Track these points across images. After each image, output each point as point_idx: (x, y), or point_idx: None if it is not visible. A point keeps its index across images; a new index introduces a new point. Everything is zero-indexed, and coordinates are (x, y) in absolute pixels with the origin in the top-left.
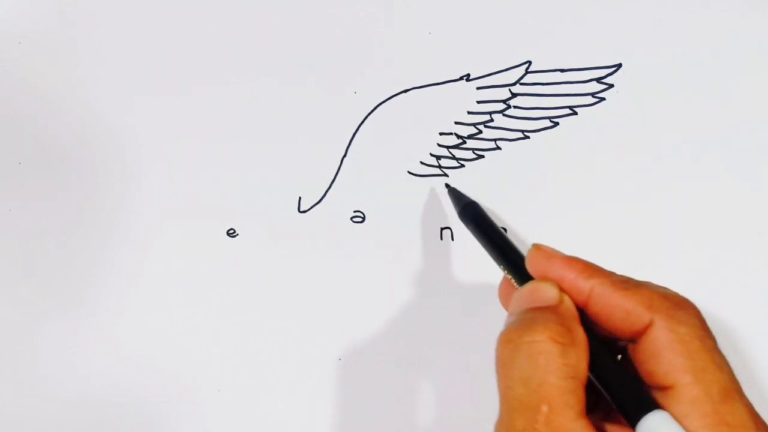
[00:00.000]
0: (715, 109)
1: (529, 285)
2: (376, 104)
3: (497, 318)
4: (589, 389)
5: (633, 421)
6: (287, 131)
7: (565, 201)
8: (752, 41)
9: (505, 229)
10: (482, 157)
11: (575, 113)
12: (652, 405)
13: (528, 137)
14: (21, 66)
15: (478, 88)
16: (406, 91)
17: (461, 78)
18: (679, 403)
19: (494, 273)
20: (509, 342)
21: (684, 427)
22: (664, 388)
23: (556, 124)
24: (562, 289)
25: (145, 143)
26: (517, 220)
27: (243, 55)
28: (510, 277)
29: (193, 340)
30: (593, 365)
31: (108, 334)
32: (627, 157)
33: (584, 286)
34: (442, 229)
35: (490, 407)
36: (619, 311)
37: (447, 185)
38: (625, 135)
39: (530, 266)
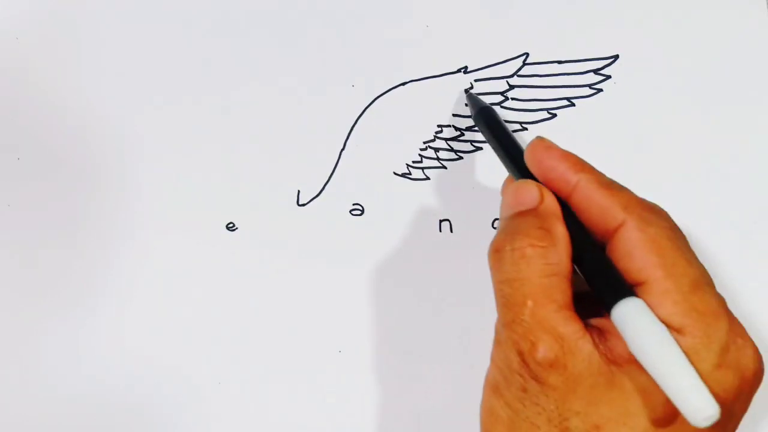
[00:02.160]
0: (712, 100)
1: (513, 185)
2: (374, 97)
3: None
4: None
5: (608, 307)
6: (286, 125)
7: None
8: (749, 33)
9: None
10: (480, 149)
11: (573, 105)
12: (628, 292)
13: (526, 129)
14: (19, 62)
15: (475, 81)
16: (403, 84)
17: (459, 70)
18: (651, 296)
19: None
20: (496, 251)
21: (657, 315)
22: (637, 284)
23: (554, 115)
24: (547, 185)
25: (144, 138)
26: None
27: (240, 49)
28: (512, 174)
29: (193, 333)
30: (577, 256)
31: (108, 327)
32: (624, 148)
33: (572, 179)
34: (441, 221)
35: None
36: (596, 207)
37: (466, 90)
38: (623, 126)
39: (528, 156)
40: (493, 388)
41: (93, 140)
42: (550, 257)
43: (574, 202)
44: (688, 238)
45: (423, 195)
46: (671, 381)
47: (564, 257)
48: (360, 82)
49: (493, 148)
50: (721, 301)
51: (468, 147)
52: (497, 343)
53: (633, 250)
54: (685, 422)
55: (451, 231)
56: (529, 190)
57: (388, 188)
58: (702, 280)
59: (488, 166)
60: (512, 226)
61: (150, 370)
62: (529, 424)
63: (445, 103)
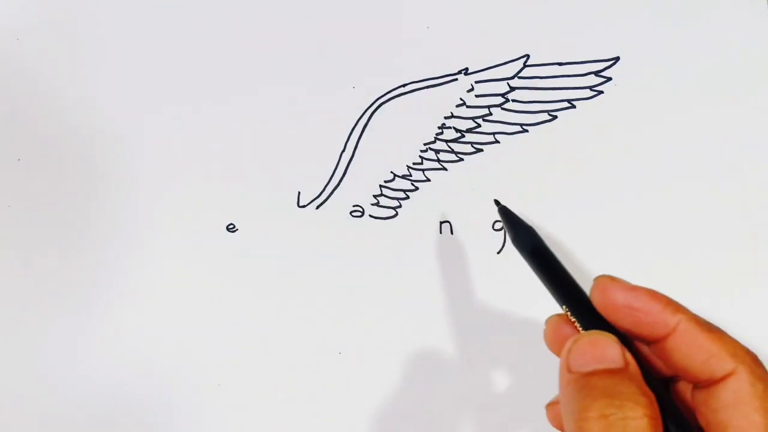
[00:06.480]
0: (713, 102)
1: (589, 337)
2: (375, 99)
3: (496, 310)
4: None
5: None
6: (286, 126)
7: (564, 194)
8: (749, 34)
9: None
10: (481, 150)
11: (573, 107)
12: None
13: (526, 131)
14: (19, 62)
15: (476, 82)
16: (404, 85)
17: (459, 72)
18: None
19: (492, 266)
20: (600, 418)
21: None
22: None
23: (555, 117)
24: (632, 329)
25: (144, 138)
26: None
27: (242, 50)
28: (571, 316)
29: (193, 334)
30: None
31: (108, 329)
32: (625, 150)
33: (671, 320)
34: (441, 222)
35: (489, 399)
36: (702, 353)
37: (497, 202)
38: (623, 128)
39: (602, 296)
40: None
41: (93, 141)
42: (660, 430)
43: (670, 345)
44: (689, 239)
45: (423, 197)
46: None
47: (662, 429)
48: (360, 83)
49: (543, 281)
50: None
51: (468, 149)
52: None
53: (739, 405)
54: None
55: (452, 233)
56: (612, 347)
57: (388, 190)
58: None
59: (489, 168)
60: (611, 389)
61: (150, 372)
62: None
63: (446, 105)
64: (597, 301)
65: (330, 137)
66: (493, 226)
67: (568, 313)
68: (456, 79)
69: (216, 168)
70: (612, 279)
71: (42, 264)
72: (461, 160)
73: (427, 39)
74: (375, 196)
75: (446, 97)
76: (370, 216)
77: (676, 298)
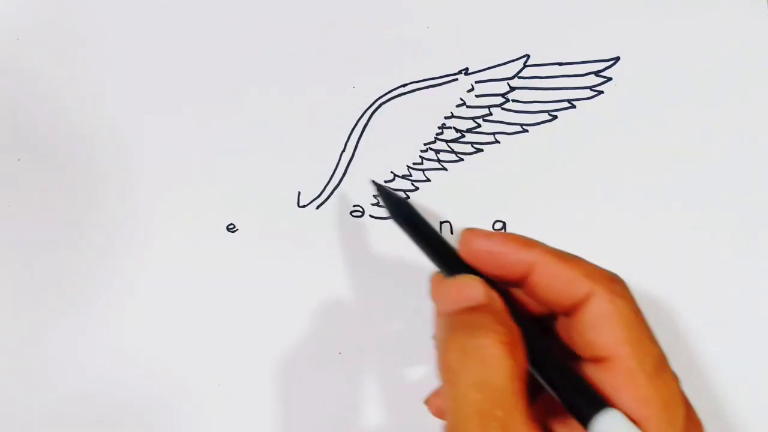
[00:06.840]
0: (713, 102)
1: (454, 280)
2: (375, 99)
3: None
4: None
5: (584, 420)
6: (286, 126)
7: (564, 194)
8: (749, 33)
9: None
10: (481, 150)
11: (573, 107)
12: (602, 403)
13: (526, 131)
14: (19, 62)
15: (476, 82)
16: (404, 85)
17: (460, 72)
18: (614, 376)
19: None
20: (458, 349)
21: (618, 401)
22: (599, 360)
23: (555, 117)
24: (496, 273)
25: (144, 138)
26: (516, 214)
27: (242, 50)
28: (442, 272)
29: (193, 335)
30: (533, 359)
31: (108, 329)
32: (625, 151)
33: (526, 257)
34: (441, 222)
35: None
36: (560, 281)
37: (373, 182)
38: (624, 128)
39: (470, 248)
40: None
41: (93, 141)
42: (517, 356)
43: (533, 280)
44: (690, 239)
45: (423, 197)
46: None
47: (524, 357)
48: (360, 83)
49: (418, 245)
50: (678, 382)
51: (468, 149)
52: None
53: (601, 322)
54: None
55: (452, 233)
56: (475, 286)
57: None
58: (663, 359)
59: (489, 168)
60: (469, 322)
61: (150, 372)
62: None
63: (446, 105)
64: (464, 253)
65: (330, 137)
66: (493, 226)
67: (443, 274)
68: (456, 79)
69: (216, 168)
70: (472, 230)
71: (41, 264)
72: (461, 160)
73: (427, 39)
74: (375, 196)
75: (446, 97)
76: (370, 216)
77: (677, 299)
